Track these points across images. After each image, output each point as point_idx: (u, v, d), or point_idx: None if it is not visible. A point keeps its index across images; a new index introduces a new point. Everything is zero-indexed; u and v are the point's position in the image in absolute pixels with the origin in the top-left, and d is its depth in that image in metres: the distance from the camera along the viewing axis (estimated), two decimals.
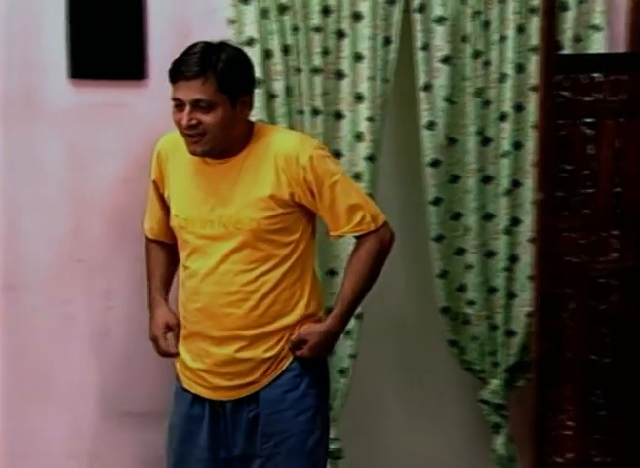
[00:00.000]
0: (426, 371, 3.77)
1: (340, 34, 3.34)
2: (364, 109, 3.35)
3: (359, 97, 3.35)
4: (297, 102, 3.29)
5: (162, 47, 3.16)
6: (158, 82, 3.15)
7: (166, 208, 2.92)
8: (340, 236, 2.92)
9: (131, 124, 3.14)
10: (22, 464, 3.12)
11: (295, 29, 3.27)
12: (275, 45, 3.24)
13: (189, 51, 2.76)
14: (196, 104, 2.71)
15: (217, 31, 3.20)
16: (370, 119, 3.35)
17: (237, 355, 2.81)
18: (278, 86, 3.25)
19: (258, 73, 3.19)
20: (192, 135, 2.74)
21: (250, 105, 2.81)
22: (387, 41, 3.38)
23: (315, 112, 3.32)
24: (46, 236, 3.08)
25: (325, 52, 3.32)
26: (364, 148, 3.36)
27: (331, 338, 2.89)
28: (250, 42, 3.21)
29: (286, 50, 3.26)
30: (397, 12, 3.39)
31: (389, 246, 2.92)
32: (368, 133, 3.35)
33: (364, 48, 3.34)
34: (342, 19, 3.34)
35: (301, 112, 3.30)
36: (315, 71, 3.31)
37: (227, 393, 2.84)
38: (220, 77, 2.72)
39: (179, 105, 2.75)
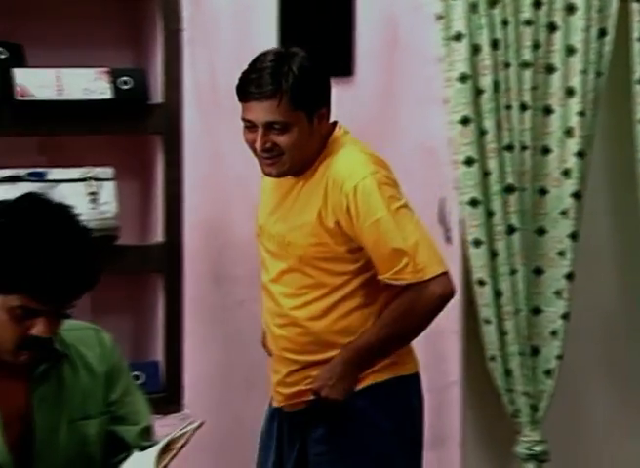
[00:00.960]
0: (638, 374, 3.67)
1: (552, 27, 3.30)
2: (575, 104, 3.30)
3: (570, 92, 3.31)
4: (504, 98, 3.27)
5: (369, 43, 3.21)
6: (364, 79, 3.21)
7: None
8: (386, 280, 2.53)
9: (338, 120, 3.20)
10: (230, 450, 3.23)
11: (504, 23, 3.25)
12: (484, 39, 3.23)
13: (257, 66, 2.51)
14: (270, 126, 2.48)
15: (424, 27, 3.24)
16: (581, 114, 3.30)
17: (287, 378, 2.64)
18: (486, 81, 3.24)
19: (465, 68, 3.21)
20: (268, 157, 2.52)
21: (327, 117, 2.57)
22: (602, 33, 3.33)
23: (523, 107, 3.29)
24: (253, 231, 3.18)
25: (535, 45, 3.29)
26: (574, 144, 3.30)
27: (332, 370, 2.55)
28: (458, 37, 3.22)
29: (495, 44, 3.24)
30: (614, 2, 3.33)
31: (435, 304, 2.51)
32: (578, 128, 3.30)
33: (577, 41, 3.30)
34: (555, 11, 3.30)
35: (509, 107, 3.28)
36: (524, 65, 3.28)
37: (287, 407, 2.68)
38: (294, 95, 2.46)
39: (250, 126, 2.51)
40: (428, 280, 2.49)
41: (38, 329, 1.97)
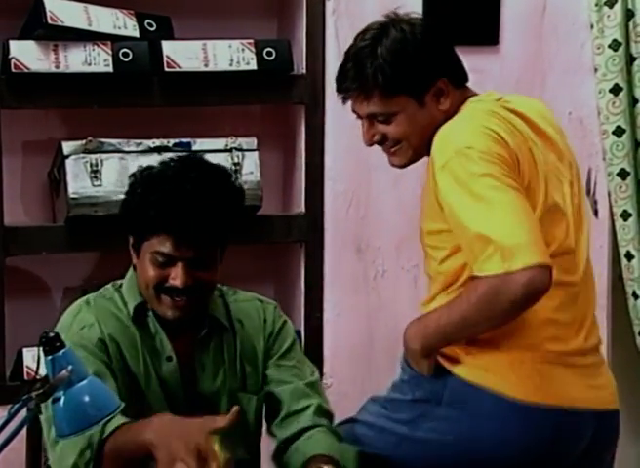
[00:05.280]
0: None
1: None
2: None
3: None
4: None
5: (515, 10, 3.31)
6: (509, 47, 3.32)
7: None
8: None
9: (483, 90, 3.30)
10: None
11: None
12: (639, 4, 3.28)
13: (348, 53, 2.34)
14: (373, 117, 2.33)
15: None
16: None
17: None
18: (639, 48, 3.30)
19: (617, 35, 3.27)
20: (385, 149, 2.37)
21: (447, 90, 2.32)
22: None
23: None
24: (395, 201, 3.32)
25: None
26: None
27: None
28: (610, 2, 3.28)
29: None
30: None
31: (512, 300, 2.15)
32: None
33: None
34: None
35: None
36: None
37: None
38: (385, 83, 2.27)
39: (358, 117, 2.39)
40: (512, 272, 2.14)
41: (174, 276, 2.26)
